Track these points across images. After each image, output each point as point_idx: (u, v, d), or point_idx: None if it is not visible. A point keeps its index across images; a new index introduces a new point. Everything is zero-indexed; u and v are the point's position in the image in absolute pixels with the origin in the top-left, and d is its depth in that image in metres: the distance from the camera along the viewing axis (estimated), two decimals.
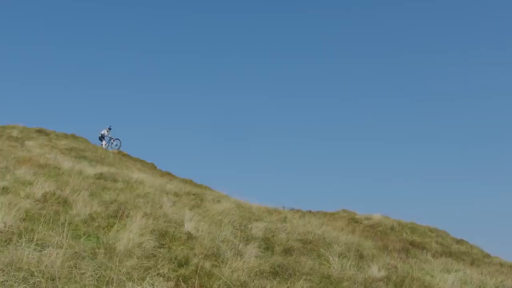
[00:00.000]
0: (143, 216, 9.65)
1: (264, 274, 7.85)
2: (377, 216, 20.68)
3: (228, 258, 8.30)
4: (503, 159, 76.86)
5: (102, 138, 28.44)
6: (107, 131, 28.06)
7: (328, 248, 10.21)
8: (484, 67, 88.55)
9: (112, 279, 5.45)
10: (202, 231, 9.48)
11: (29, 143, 23.72)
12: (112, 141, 28.01)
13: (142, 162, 29.80)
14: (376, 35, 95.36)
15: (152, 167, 30.33)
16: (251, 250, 8.76)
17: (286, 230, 10.68)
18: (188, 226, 9.40)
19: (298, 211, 20.84)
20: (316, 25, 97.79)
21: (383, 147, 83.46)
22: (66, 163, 17.17)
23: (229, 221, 10.80)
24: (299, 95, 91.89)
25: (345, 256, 9.95)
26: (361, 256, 10.25)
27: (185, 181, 27.94)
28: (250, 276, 7.67)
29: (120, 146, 28.24)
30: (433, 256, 16.15)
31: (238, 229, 10.29)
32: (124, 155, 30.86)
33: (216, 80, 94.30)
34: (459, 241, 20.27)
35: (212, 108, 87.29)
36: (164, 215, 9.88)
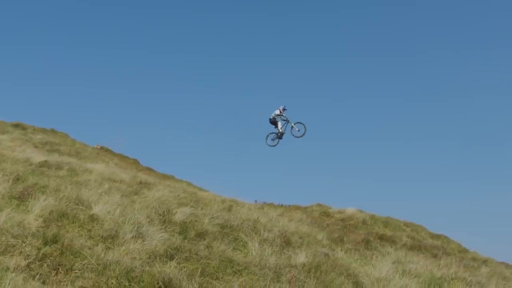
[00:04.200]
0: (54, 198, 9.17)
1: (158, 256, 7.24)
2: (350, 210, 19.94)
3: (126, 241, 7.73)
4: (504, 159, 75.07)
5: (274, 121, 19.03)
6: (281, 112, 18.89)
7: (254, 234, 9.57)
8: (480, 67, 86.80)
9: None
10: (113, 214, 8.91)
11: (2, 137, 23.40)
12: (292, 125, 18.46)
13: (122, 157, 29.42)
14: (370, 34, 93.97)
15: (134, 162, 29.94)
16: (155, 233, 8.15)
17: (212, 216, 10.04)
18: (97, 209, 8.83)
19: (269, 204, 20.21)
20: (316, 26, 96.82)
21: (386, 147, 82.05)
22: (21, 154, 16.78)
23: (155, 206, 10.21)
24: (296, 95, 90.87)
25: (270, 242, 9.30)
26: (288, 243, 9.58)
27: (164, 176, 27.48)
28: (140, 258, 7.08)
29: (304, 133, 18.29)
30: (398, 249, 15.42)
31: (159, 214, 9.70)
32: (106, 150, 30.54)
33: (216, 80, 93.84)
34: (435, 236, 19.45)
35: (212, 108, 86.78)
36: (77, 198, 9.32)
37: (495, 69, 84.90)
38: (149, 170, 28.28)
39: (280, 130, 18.74)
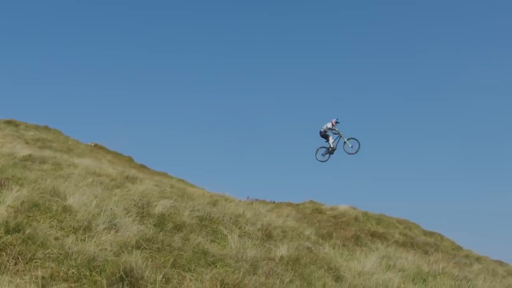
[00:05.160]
0: (29, 189, 8.94)
1: (129, 247, 6.99)
2: (343, 207, 19.72)
3: (98, 232, 7.49)
4: (504, 159, 74.71)
5: (325, 135, 17.67)
6: (333, 125, 17.46)
7: (235, 227, 9.33)
8: (480, 67, 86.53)
9: None
10: (89, 205, 8.67)
11: None
12: (345, 140, 17.09)
13: (116, 154, 29.24)
14: (370, 34, 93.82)
15: (128, 159, 29.77)
16: (130, 225, 7.91)
17: (192, 208, 9.80)
18: (72, 200, 8.59)
19: (260, 201, 19.98)
20: (316, 26, 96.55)
21: (386, 147, 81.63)
22: (8, 149, 16.59)
23: (135, 199, 9.98)
24: (296, 95, 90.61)
25: (251, 235, 9.06)
26: (270, 237, 9.34)
27: (157, 173, 27.29)
28: (111, 250, 6.84)
29: (358, 149, 16.92)
30: (389, 245, 15.16)
31: (138, 206, 9.46)
32: (100, 147, 30.36)
33: (216, 80, 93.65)
34: (429, 233, 19.22)
35: (212, 108, 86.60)
36: (53, 189, 9.08)
37: (495, 69, 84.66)
38: (143, 167, 28.10)
39: (332, 145, 17.56)
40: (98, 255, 5.85)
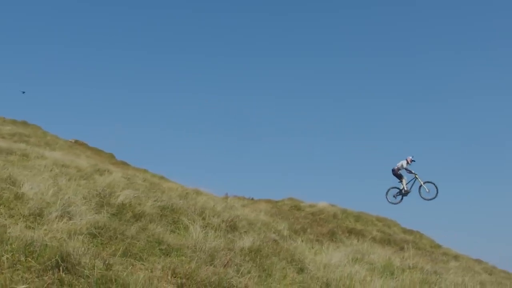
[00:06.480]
0: None
1: (80, 235, 6.67)
2: (322, 204, 19.54)
3: (49, 220, 7.15)
4: (504, 159, 75.15)
5: (399, 174, 15.87)
6: (408, 163, 15.69)
7: (199, 218, 9.05)
8: (480, 67, 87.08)
9: None
10: (45, 194, 8.32)
11: None
12: (421, 184, 15.41)
13: (97, 151, 28.79)
14: (370, 34, 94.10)
15: (109, 156, 29.32)
16: (85, 213, 7.58)
17: (157, 199, 9.49)
18: (27, 188, 8.24)
19: (239, 197, 19.72)
20: (316, 26, 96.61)
21: (386, 147, 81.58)
22: None
23: (98, 189, 9.64)
24: (296, 95, 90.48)
25: (214, 227, 8.78)
26: (234, 228, 9.06)
27: (137, 169, 26.87)
28: (61, 237, 6.51)
29: (436, 195, 15.03)
30: (365, 241, 14.99)
31: (100, 196, 9.12)
32: (81, 144, 29.88)
33: (216, 80, 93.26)
34: (408, 231, 19.14)
35: (212, 108, 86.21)
36: (9, 178, 8.72)
37: (495, 69, 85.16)
38: (123, 163, 27.67)
39: (405, 188, 15.89)
40: (36, 241, 5.52)
